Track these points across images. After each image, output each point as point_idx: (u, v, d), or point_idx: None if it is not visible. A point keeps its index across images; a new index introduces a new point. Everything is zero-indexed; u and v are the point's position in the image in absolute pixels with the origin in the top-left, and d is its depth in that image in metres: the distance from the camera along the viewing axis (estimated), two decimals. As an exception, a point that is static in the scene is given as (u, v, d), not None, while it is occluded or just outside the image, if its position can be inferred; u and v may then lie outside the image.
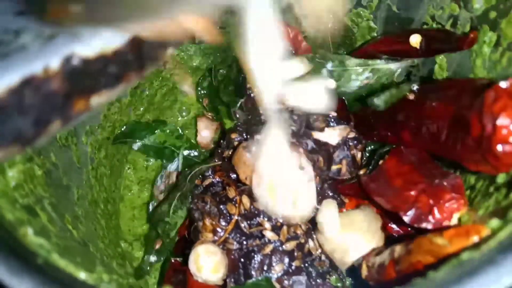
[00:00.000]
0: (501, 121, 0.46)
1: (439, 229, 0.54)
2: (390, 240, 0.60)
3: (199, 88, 0.93)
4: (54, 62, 0.31)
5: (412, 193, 0.62)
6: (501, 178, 0.54)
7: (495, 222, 0.44)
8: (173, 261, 0.78)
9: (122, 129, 0.88)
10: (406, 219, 0.61)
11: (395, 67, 0.81)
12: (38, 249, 0.42)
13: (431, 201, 0.60)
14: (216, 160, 0.79)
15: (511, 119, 0.46)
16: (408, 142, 0.67)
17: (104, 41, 0.33)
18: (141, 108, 0.91)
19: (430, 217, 0.59)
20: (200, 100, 0.93)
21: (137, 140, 0.88)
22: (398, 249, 0.53)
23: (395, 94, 0.66)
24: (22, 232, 0.44)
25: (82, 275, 0.42)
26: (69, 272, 0.42)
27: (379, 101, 0.66)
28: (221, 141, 0.82)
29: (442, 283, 0.37)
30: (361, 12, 0.85)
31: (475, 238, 0.43)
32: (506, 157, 0.47)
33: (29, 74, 0.31)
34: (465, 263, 0.38)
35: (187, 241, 0.80)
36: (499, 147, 0.47)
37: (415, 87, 0.67)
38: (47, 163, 0.62)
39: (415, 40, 0.73)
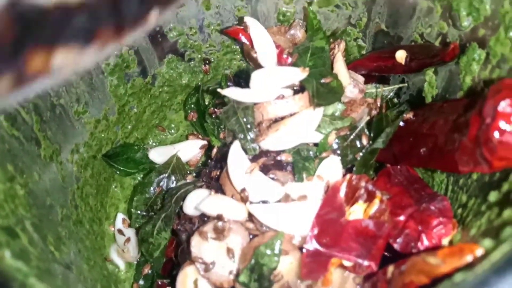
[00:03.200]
0: (502, 107, 0.47)
1: (433, 248, 0.52)
2: (382, 260, 0.59)
3: (187, 106, 0.92)
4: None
5: (401, 218, 0.61)
6: (492, 196, 0.53)
7: (488, 242, 0.43)
8: (159, 283, 0.76)
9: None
10: (396, 246, 0.60)
11: (387, 90, 0.82)
12: (14, 273, 0.41)
13: (419, 227, 0.60)
14: (204, 180, 0.78)
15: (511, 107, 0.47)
16: (403, 157, 0.67)
17: None
18: (129, 126, 0.90)
19: (419, 244, 0.59)
20: (188, 115, 0.92)
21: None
22: (390, 269, 0.52)
23: (391, 132, 0.68)
24: (-1, 255, 0.42)
25: (61, 299, 0.40)
26: (47, 297, 0.40)
27: (379, 143, 0.67)
28: (209, 160, 0.81)
29: (435, 306, 0.35)
30: (350, 31, 0.85)
31: (468, 258, 0.42)
32: (501, 147, 0.47)
33: None
34: (458, 285, 0.36)
35: (173, 263, 0.78)
36: (496, 134, 0.47)
37: (408, 114, 0.69)
38: (30, 183, 0.60)
39: (400, 55, 0.73)
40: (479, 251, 0.42)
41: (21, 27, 0.24)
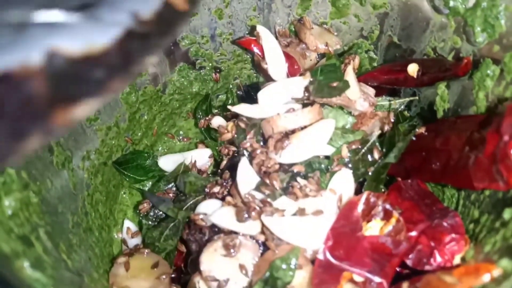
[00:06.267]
0: None
1: (445, 264, 0.52)
2: (396, 278, 0.58)
3: (197, 114, 0.93)
4: (35, 57, 0.25)
5: (413, 233, 0.61)
6: (507, 213, 0.53)
7: (506, 262, 0.43)
8: (168, 291, 0.75)
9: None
10: (408, 262, 0.60)
11: (398, 102, 0.82)
12: (33, 283, 0.41)
13: (432, 243, 0.59)
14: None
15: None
16: (415, 171, 0.67)
17: (89, 36, 0.27)
18: (139, 134, 0.90)
19: (432, 260, 0.58)
20: (199, 122, 0.92)
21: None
22: (405, 286, 0.52)
23: (403, 146, 0.68)
24: (18, 265, 0.42)
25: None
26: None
27: (391, 158, 0.68)
28: (219, 170, 0.81)
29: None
30: (362, 43, 0.86)
31: (485, 277, 0.42)
32: None
33: (3, 69, 0.25)
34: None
35: (182, 272, 0.78)
36: None
37: (421, 129, 0.69)
38: (43, 190, 0.60)
39: (412, 69, 0.73)
40: (496, 272, 0.42)
41: (53, 84, 0.25)
